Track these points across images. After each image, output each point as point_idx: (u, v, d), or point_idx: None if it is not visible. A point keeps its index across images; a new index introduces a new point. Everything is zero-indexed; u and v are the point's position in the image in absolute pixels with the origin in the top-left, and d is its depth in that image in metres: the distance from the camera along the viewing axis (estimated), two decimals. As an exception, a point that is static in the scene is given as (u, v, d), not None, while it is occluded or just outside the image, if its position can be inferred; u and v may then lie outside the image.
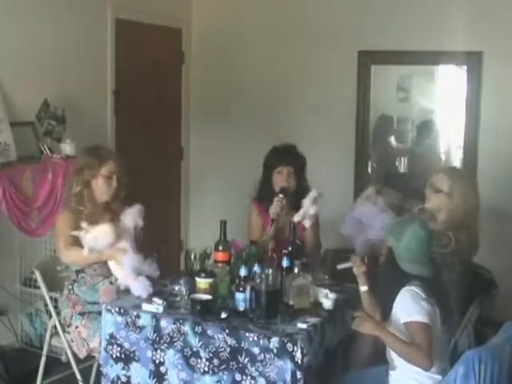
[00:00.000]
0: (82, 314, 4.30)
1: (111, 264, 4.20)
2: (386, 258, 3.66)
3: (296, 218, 4.63)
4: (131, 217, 4.24)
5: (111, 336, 3.92)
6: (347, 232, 4.44)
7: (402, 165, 6.65)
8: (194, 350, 3.71)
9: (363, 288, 3.86)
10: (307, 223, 4.68)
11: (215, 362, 3.66)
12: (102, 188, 4.34)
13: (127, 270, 4.08)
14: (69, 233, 4.18)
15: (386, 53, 6.41)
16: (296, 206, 4.74)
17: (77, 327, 4.29)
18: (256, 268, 3.97)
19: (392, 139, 6.68)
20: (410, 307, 3.45)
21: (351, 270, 3.91)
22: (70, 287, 4.35)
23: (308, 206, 4.65)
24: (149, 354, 3.83)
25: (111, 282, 4.34)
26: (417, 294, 3.46)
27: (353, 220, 4.42)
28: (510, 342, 3.47)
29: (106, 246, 4.12)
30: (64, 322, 4.37)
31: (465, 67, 6.23)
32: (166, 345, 3.78)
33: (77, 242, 4.14)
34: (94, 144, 4.55)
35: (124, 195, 4.43)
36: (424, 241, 3.56)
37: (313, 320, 3.74)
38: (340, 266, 4.03)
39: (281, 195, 4.72)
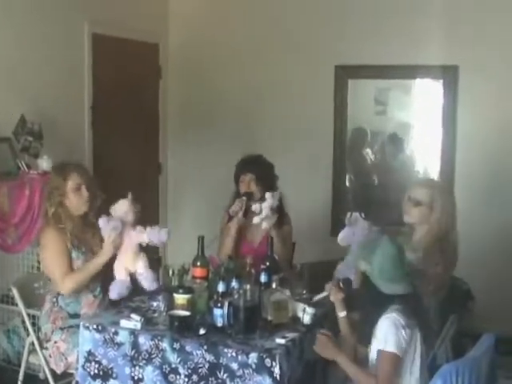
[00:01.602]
0: (61, 328, 4.31)
1: (117, 263, 4.25)
2: (361, 283, 3.63)
3: (255, 220, 4.70)
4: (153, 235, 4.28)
5: (89, 353, 3.90)
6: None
7: (378, 178, 6.69)
8: (173, 366, 3.69)
9: (341, 314, 3.81)
10: (264, 225, 4.71)
11: (194, 378, 3.65)
12: (74, 202, 4.36)
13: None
14: (64, 258, 4.27)
15: (362, 67, 6.45)
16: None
17: (56, 342, 4.29)
18: (234, 283, 3.97)
19: (368, 152, 6.71)
20: (387, 335, 3.40)
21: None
22: (54, 300, 4.36)
23: (262, 208, 4.69)
24: (127, 370, 3.81)
25: (94, 295, 4.40)
26: (398, 322, 3.40)
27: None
28: (488, 354, 3.50)
29: (123, 213, 4.24)
30: (44, 337, 4.36)
31: (441, 81, 6.29)
32: (144, 361, 3.76)
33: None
34: (61, 161, 4.60)
35: (99, 204, 4.43)
36: (396, 257, 3.51)
37: (291, 335, 3.74)
38: (316, 298, 4.01)
39: (244, 197, 4.80)
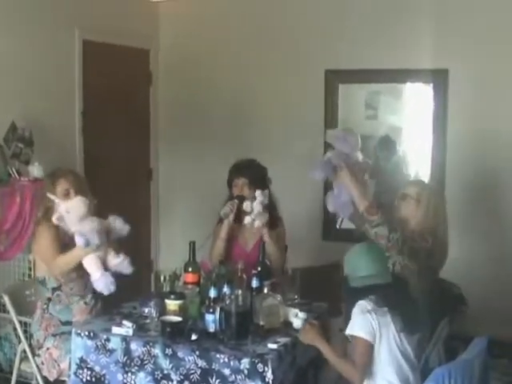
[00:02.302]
0: (54, 335, 4.31)
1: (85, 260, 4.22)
2: (345, 287, 3.67)
3: (246, 220, 4.74)
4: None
5: (81, 360, 3.90)
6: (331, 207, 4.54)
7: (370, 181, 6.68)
8: (165, 372, 3.69)
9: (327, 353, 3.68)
10: (257, 223, 4.73)
11: (186, 384, 3.65)
12: None
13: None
14: (55, 244, 4.28)
15: (353, 72, 6.46)
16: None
17: (48, 349, 4.29)
18: (225, 289, 3.97)
19: (359, 156, 6.70)
20: (354, 321, 3.52)
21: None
22: (45, 307, 4.37)
23: (253, 206, 4.73)
24: (119, 377, 3.81)
25: (86, 303, 4.41)
26: (364, 307, 3.52)
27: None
28: (480, 357, 3.51)
29: (75, 218, 4.21)
30: (36, 344, 4.36)
31: (431, 85, 6.30)
32: (136, 367, 3.76)
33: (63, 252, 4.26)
34: (55, 167, 4.62)
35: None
36: (368, 253, 3.65)
37: (283, 340, 3.74)
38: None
39: (236, 200, 4.81)
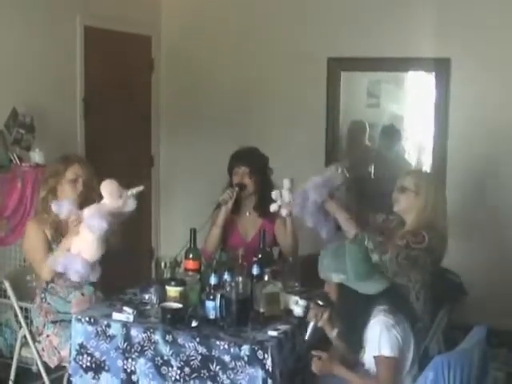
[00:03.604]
0: (54, 322, 4.31)
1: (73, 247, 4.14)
2: (338, 296, 3.59)
3: (272, 208, 4.66)
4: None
5: (81, 346, 3.90)
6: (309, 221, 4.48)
7: (372, 170, 6.69)
8: (165, 358, 3.70)
9: (334, 333, 3.70)
10: (284, 212, 4.66)
11: (186, 370, 3.66)
12: (66, 193, 4.31)
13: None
14: (45, 247, 4.25)
15: (355, 59, 6.45)
16: (260, 208, 4.84)
17: (48, 336, 4.29)
18: (226, 276, 3.98)
19: (364, 145, 6.72)
20: (379, 341, 3.40)
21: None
22: (43, 295, 4.35)
23: (284, 194, 4.63)
24: (119, 363, 3.82)
25: (83, 294, 4.38)
26: (387, 323, 3.41)
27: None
28: (479, 346, 3.51)
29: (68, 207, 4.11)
30: (36, 330, 4.36)
31: (433, 73, 6.29)
32: (136, 354, 3.77)
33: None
34: (66, 153, 4.57)
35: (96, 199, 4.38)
36: (365, 256, 3.59)
37: (283, 327, 3.75)
38: (307, 336, 3.75)
39: (236, 188, 4.78)
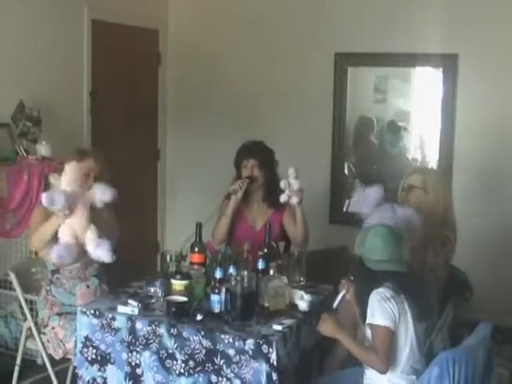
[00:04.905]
0: (59, 314, 4.31)
1: (63, 226, 4.14)
2: (359, 266, 3.65)
3: (282, 198, 4.67)
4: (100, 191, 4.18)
5: (86, 338, 3.90)
6: None
7: (378, 166, 6.68)
8: (170, 351, 3.70)
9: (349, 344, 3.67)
10: (294, 200, 4.67)
11: (191, 363, 3.65)
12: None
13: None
14: (40, 218, 4.24)
15: (362, 55, 6.45)
16: (268, 199, 4.85)
17: (53, 328, 4.29)
18: (231, 270, 3.97)
19: (370, 141, 6.71)
20: (374, 309, 3.48)
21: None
22: (48, 288, 4.37)
23: (292, 183, 4.64)
24: (124, 356, 3.82)
25: (88, 286, 4.38)
26: (383, 295, 3.48)
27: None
28: (484, 343, 3.51)
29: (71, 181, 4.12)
30: (41, 322, 4.37)
31: (440, 69, 6.28)
32: (141, 347, 3.77)
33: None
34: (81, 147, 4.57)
35: None
36: (386, 237, 3.58)
37: (288, 322, 3.75)
38: (336, 304, 3.85)
39: (247, 179, 4.79)
